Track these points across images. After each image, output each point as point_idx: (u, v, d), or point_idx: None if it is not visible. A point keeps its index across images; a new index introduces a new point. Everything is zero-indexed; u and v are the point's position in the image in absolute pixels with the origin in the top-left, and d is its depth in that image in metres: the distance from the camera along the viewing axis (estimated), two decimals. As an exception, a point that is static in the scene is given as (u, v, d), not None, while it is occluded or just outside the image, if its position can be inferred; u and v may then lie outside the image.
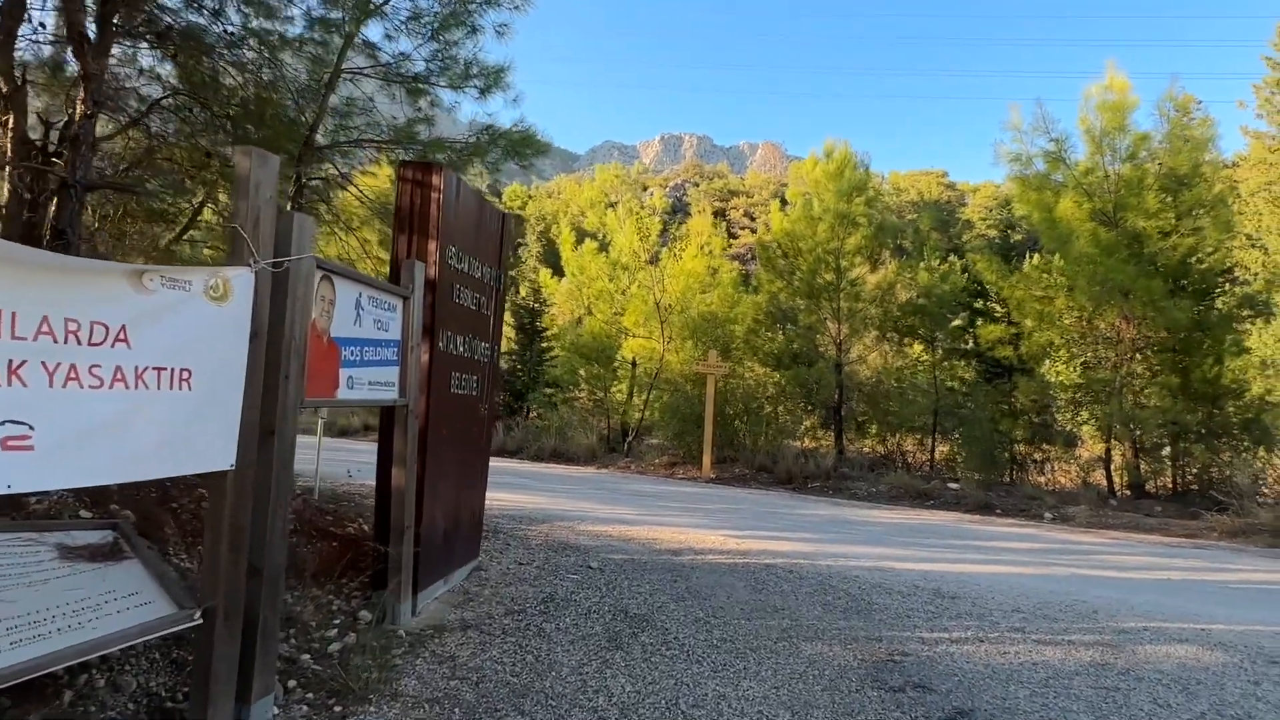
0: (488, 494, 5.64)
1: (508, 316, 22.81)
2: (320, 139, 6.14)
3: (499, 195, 69.04)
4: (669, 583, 5.15)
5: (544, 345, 19.44)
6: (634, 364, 16.72)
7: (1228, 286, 11.98)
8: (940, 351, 14.83)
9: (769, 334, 15.84)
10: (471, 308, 4.97)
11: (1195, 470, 11.23)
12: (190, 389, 2.39)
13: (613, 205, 18.26)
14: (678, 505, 9.37)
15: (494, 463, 14.24)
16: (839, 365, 14.45)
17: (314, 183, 6.25)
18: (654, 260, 16.94)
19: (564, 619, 4.22)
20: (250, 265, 2.63)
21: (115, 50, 6.11)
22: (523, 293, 21.10)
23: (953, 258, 16.98)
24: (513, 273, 36.63)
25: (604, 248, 17.83)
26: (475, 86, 7.06)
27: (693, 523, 7.86)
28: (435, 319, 4.42)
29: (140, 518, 3.93)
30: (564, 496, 9.53)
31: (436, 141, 6.31)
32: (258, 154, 2.66)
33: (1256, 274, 23.88)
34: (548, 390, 18.81)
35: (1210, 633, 4.44)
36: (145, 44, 6.04)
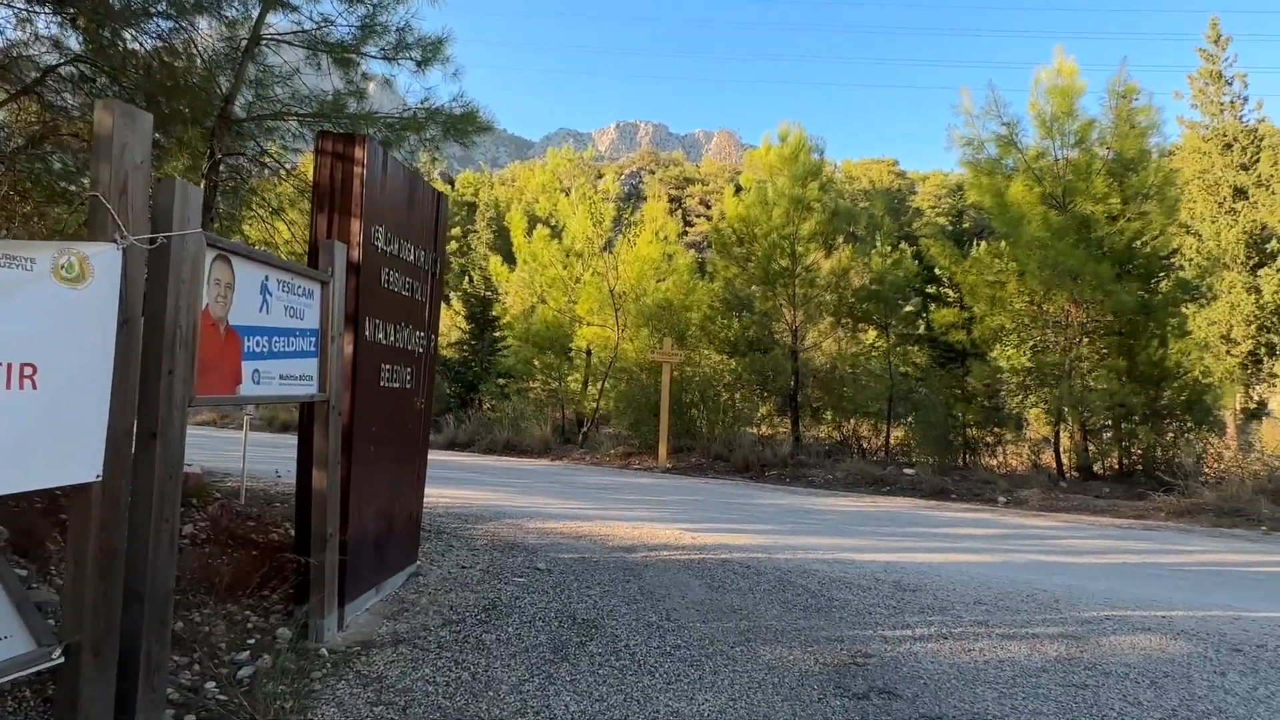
0: (432, 490, 5.29)
1: (458, 306, 22.22)
2: (239, 111, 5.63)
3: (451, 183, 67.53)
4: (621, 583, 4.88)
5: (496, 335, 18.94)
6: (588, 353, 16.39)
7: (1170, 270, 12.22)
8: (894, 337, 14.86)
9: (725, 321, 15.66)
10: (404, 294, 4.59)
11: (1139, 451, 11.45)
12: (36, 388, 2.00)
13: (566, 191, 17.83)
14: (632, 498, 9.12)
15: (443, 457, 13.80)
16: (795, 352, 14.35)
17: (233, 160, 5.74)
18: (608, 247, 16.59)
19: (506, 628, 3.91)
20: (116, 241, 2.23)
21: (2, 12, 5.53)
22: (474, 281, 20.51)
23: (904, 245, 17.05)
24: (462, 260, 35.97)
25: (557, 234, 17.41)
26: (411, 59, 6.62)
27: (647, 516, 7.61)
28: (360, 306, 4.04)
29: (17, 531, 3.48)
30: (514, 491, 9.19)
31: (367, 115, 5.86)
32: (122, 110, 2.26)
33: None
34: (500, 381, 18.34)
35: (1172, 620, 4.37)
36: (41, 6, 5.47)
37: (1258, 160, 29.50)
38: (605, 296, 15.44)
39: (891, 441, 14.59)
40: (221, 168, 5.68)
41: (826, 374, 14.93)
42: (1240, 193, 29.37)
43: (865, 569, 5.44)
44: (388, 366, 4.42)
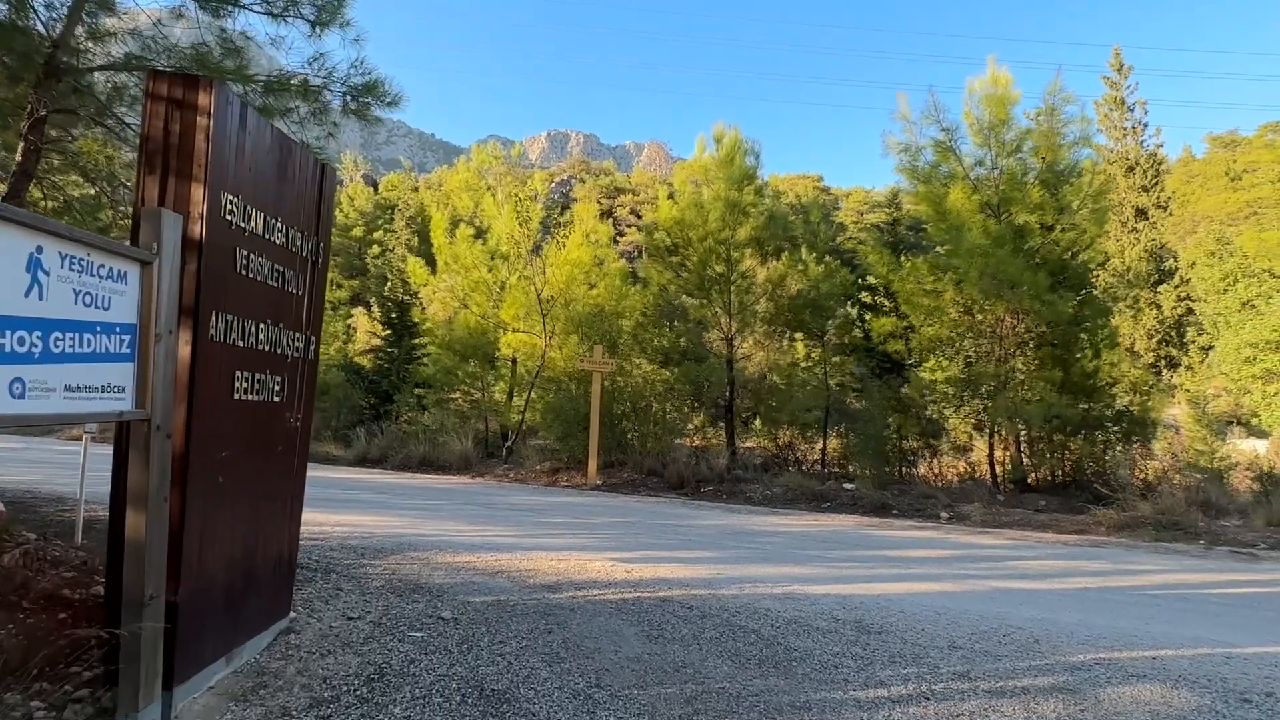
0: (328, 517, 4.38)
1: (375, 311, 20.83)
2: (72, 61, 4.57)
3: (375, 185, 64.95)
4: (542, 635, 4.08)
5: (415, 342, 17.73)
6: (514, 361, 15.45)
7: (1098, 281, 12.31)
8: (830, 346, 14.57)
9: (658, 329, 15.06)
10: (271, 284, 3.68)
11: (1072, 462, 11.41)
12: None
13: (492, 191, 16.89)
14: (559, 521, 8.29)
15: (350, 475, 12.59)
16: (730, 361, 13.85)
17: (63, 117, 4.66)
18: (536, 250, 15.72)
19: (393, 708, 3.06)
20: None
21: None
22: (392, 284, 19.22)
23: (829, 259, 16.88)
24: (378, 260, 34.18)
25: (481, 236, 16.42)
26: (303, 17, 5.67)
27: (575, 544, 6.81)
28: (205, 296, 3.13)
29: None
30: (426, 515, 8.22)
31: (238, 71, 4.89)
32: None
33: (1099, 276, 25.64)
34: (419, 391, 17.14)
35: (1164, 663, 3.89)
36: None
37: (1158, 183, 31.22)
38: (532, 302, 14.56)
39: (828, 453, 14.25)
40: (51, 129, 4.60)
41: (761, 384, 14.50)
42: (1141, 213, 30.97)
43: (821, 606, 4.81)
44: (245, 374, 3.50)
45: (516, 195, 14.88)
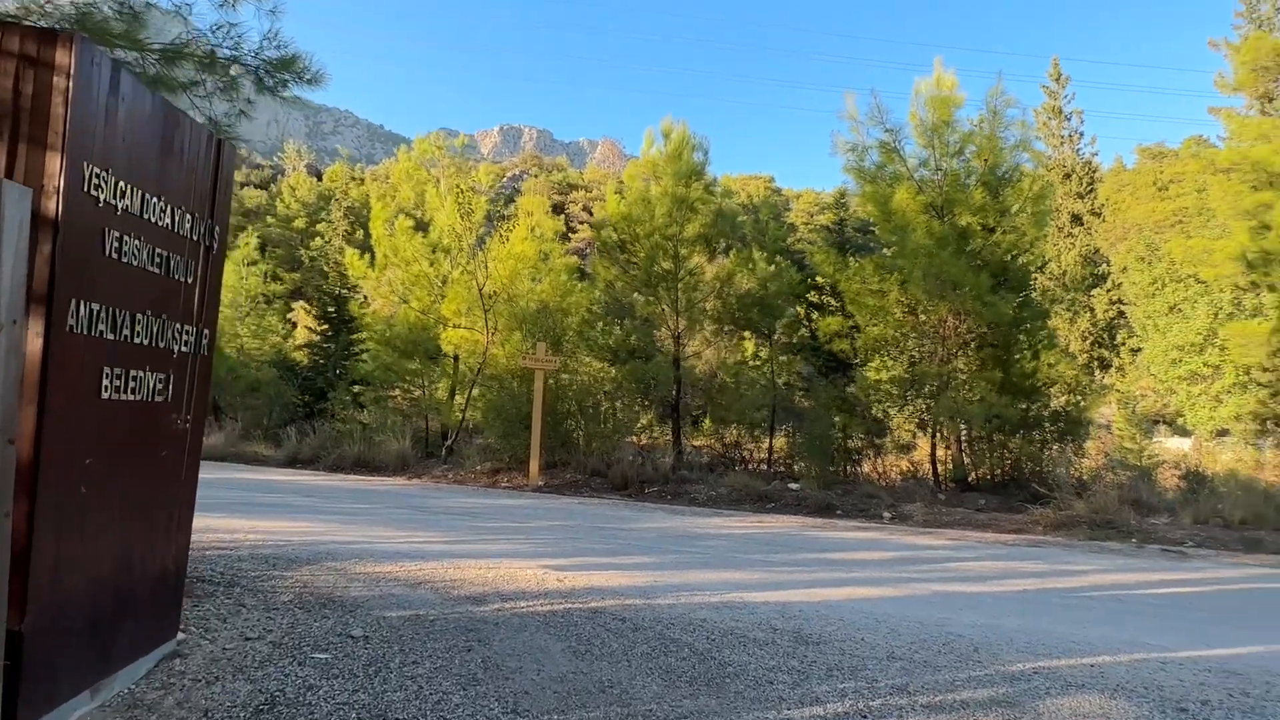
0: (243, 523, 3.99)
1: (309, 305, 20.03)
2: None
3: (319, 175, 62.91)
4: (461, 653, 3.78)
5: (353, 337, 17.07)
6: (455, 358, 14.98)
7: (1037, 283, 12.53)
8: (777, 345, 14.53)
9: (605, 326, 14.79)
10: (153, 270, 3.29)
11: (1011, 461, 11.58)
12: None
13: (436, 182, 16.36)
14: (495, 525, 7.96)
15: (278, 477, 11.98)
16: (677, 360, 13.67)
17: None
18: (480, 244, 15.27)
19: (281, 746, 2.73)
20: None
21: None
22: (329, 277, 18.49)
23: (779, 259, 16.90)
24: (313, 252, 32.94)
25: (423, 228, 15.87)
26: (211, -19, 5.21)
27: (509, 550, 6.51)
28: (62, 280, 2.73)
29: None
30: (352, 520, 7.78)
31: (125, 34, 4.42)
32: None
33: (1036, 279, 26.35)
34: (355, 389, 16.50)
35: (1102, 670, 3.81)
36: None
37: (1092, 190, 32.35)
38: (474, 297, 14.11)
39: (774, 452, 14.20)
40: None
41: (709, 383, 14.37)
42: (1077, 219, 32.04)
43: (760, 615, 4.62)
44: (118, 371, 3.10)
45: (459, 186, 14.40)
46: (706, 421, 15.32)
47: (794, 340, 15.08)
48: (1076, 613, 5.01)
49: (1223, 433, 20.24)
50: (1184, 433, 22.08)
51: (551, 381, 13.02)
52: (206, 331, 3.79)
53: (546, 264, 14.71)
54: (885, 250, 11.99)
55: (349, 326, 17.48)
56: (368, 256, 16.05)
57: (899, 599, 5.22)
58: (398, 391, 16.15)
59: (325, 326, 17.88)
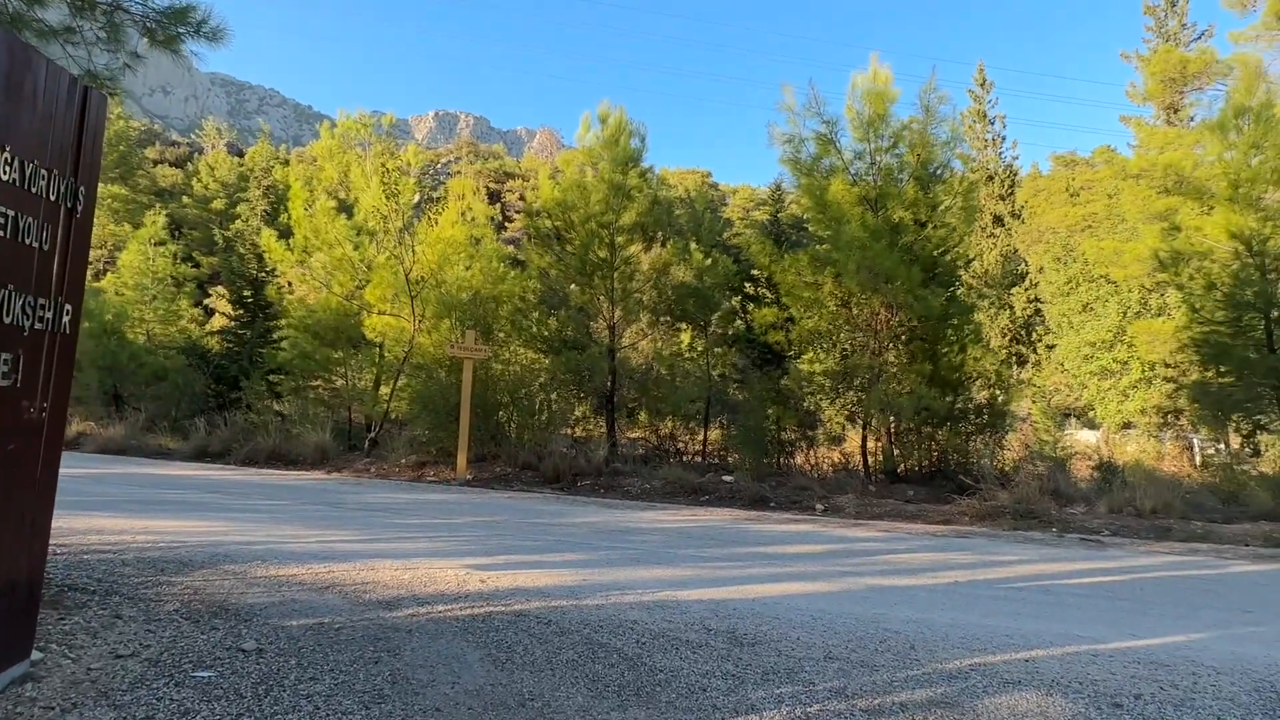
0: (134, 522, 3.51)
1: (223, 290, 18.84)
2: None
3: (240, 154, 59.68)
4: (367, 666, 3.42)
5: (270, 324, 16.11)
6: (380, 346, 14.31)
7: (964, 279, 12.80)
8: (713, 337, 14.45)
9: (538, 315, 14.40)
10: (-8, 231, 2.82)
11: (938, 453, 11.80)
12: None
13: (361, 162, 15.56)
14: (417, 522, 7.53)
15: (182, 471, 11.17)
16: (612, 350, 13.41)
17: None
18: (408, 227, 14.61)
19: (138, 787, 2.34)
20: None
21: None
22: (244, 259, 17.41)
23: (715, 252, 16.85)
24: (228, 232, 31.11)
25: (347, 210, 15.07)
26: (90, -83, 4.64)
27: (429, 548, 6.12)
28: None
29: None
30: (260, 518, 7.23)
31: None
32: None
33: (964, 274, 27.19)
34: (272, 377, 15.58)
35: (1036, 665, 3.76)
36: None
37: (1012, 192, 33.67)
38: (401, 282, 13.47)
39: (708, 445, 14.13)
40: None
41: (644, 374, 14.17)
42: (998, 220, 33.28)
43: (693, 614, 4.42)
44: (-58, 350, 2.64)
45: (384, 166, 13.70)
46: (643, 414, 15.15)
47: (729, 332, 15.04)
48: (1007, 605, 5.00)
49: (1128, 425, 21.38)
50: (1093, 426, 23.24)
51: (481, 371, 12.57)
52: (69, 306, 3.31)
53: (478, 249, 14.17)
54: (820, 246, 12.02)
55: (267, 312, 16.50)
56: (288, 239, 15.16)
57: (834, 594, 5.12)
58: (319, 381, 15.34)
59: (241, 312, 16.84)
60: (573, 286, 13.99)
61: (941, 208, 11.35)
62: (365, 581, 4.88)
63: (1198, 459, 19.87)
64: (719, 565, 5.92)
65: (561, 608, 4.44)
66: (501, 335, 13.65)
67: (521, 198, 68.60)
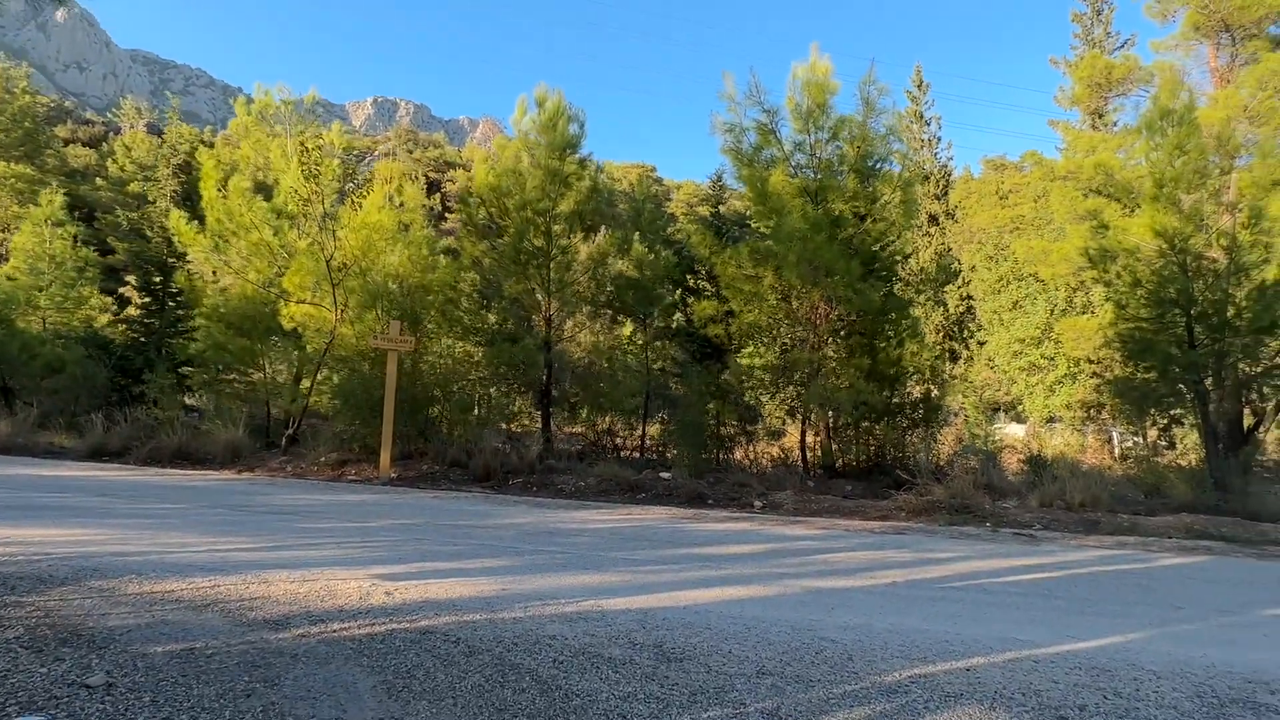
0: (4, 530, 2.88)
1: (130, 275, 17.53)
2: None
3: (161, 134, 56.36)
4: (237, 701, 2.95)
5: (180, 312, 15.02)
6: (298, 335, 13.47)
7: (902, 274, 12.84)
8: (653, 330, 14.15)
9: (471, 305, 13.83)
10: None
11: (876, 447, 11.79)
12: None
13: (282, 141, 14.64)
14: (327, 526, 6.96)
15: (74, 472, 10.21)
16: (549, 343, 12.95)
17: None
18: (331, 213, 13.79)
19: None
20: None
21: None
22: (152, 242, 16.21)
23: (658, 246, 16.58)
24: (136, 215, 29.19)
25: (265, 192, 14.13)
26: None
27: (336, 556, 5.60)
28: None
29: None
30: (150, 525, 6.55)
31: None
32: None
33: (902, 270, 27.62)
34: (184, 370, 14.54)
35: (977, 675, 3.54)
36: None
37: (947, 192, 34.52)
38: (322, 270, 12.69)
39: (647, 440, 13.84)
40: None
41: (583, 368, 13.76)
42: (934, 219, 34.07)
43: (618, 626, 4.07)
44: None
45: (304, 144, 12.85)
46: (585, 410, 14.75)
47: (670, 326, 14.77)
48: (946, 607, 4.82)
49: (1053, 419, 22.11)
50: (1021, 420, 23.98)
51: (409, 364, 11.95)
52: None
53: (407, 236, 13.46)
54: (762, 242, 11.83)
55: (177, 300, 15.38)
56: (202, 222, 14.13)
57: (770, 599, 4.85)
58: (234, 375, 14.38)
59: (149, 299, 15.66)
60: (506, 275, 13.44)
61: (881, 202, 11.31)
62: (254, 597, 4.36)
63: (1117, 451, 20.72)
64: (650, 569, 5.59)
65: (474, 623, 4.03)
66: (431, 327, 13.02)
67: (463, 188, 66.89)
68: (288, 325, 12.89)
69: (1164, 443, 19.41)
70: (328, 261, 12.59)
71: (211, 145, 50.65)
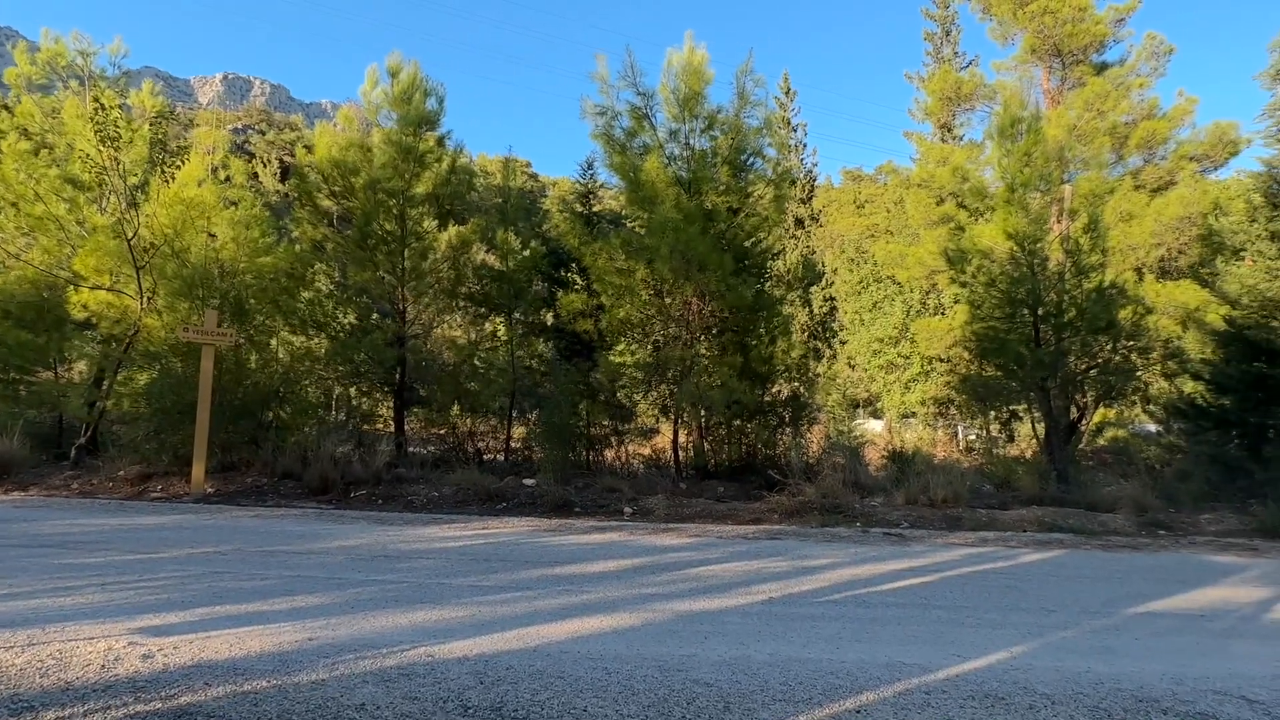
0: None
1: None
2: None
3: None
4: None
5: (-58, 299, 12.40)
6: (92, 325, 11.47)
7: (773, 271, 12.75)
8: (520, 326, 13.27)
9: (317, 296, 12.37)
10: None
11: (747, 446, 11.57)
12: None
13: (79, 98, 12.44)
14: (98, 561, 5.62)
15: None
16: (402, 338, 11.76)
17: None
18: (142, 186, 11.85)
19: None
20: None
21: None
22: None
23: (530, 239, 15.73)
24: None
25: (38, 148, 11.89)
26: None
27: (94, 603, 4.40)
28: None
29: None
30: None
31: None
32: None
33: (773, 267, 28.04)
34: (-56, 369, 12.03)
35: (868, 713, 3.07)
36: None
37: (812, 197, 35.81)
38: (124, 251, 10.81)
39: (513, 443, 12.96)
40: None
41: (442, 365, 12.66)
42: (800, 223, 35.23)
43: (451, 684, 3.27)
44: None
45: (101, 102, 10.87)
46: (452, 410, 13.62)
47: (540, 321, 13.96)
48: (826, 627, 4.39)
49: (908, 415, 23.27)
50: (879, 415, 25.09)
51: (231, 361, 10.41)
52: None
53: (233, 214, 11.74)
54: (636, 227, 11.30)
55: (-61, 284, 12.71)
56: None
57: (637, 630, 4.22)
58: (14, 374, 12.05)
59: (-99, 283, 12.84)
60: (357, 265, 12.10)
61: (754, 197, 11.09)
62: (-59, 675, 3.18)
63: (962, 444, 22.10)
64: (500, 599, 4.82)
65: (256, 694, 3.10)
66: (262, 319, 11.46)
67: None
68: (78, 315, 10.87)
69: (1004, 436, 20.91)
70: (129, 240, 10.71)
71: (7, 108, 43.91)
